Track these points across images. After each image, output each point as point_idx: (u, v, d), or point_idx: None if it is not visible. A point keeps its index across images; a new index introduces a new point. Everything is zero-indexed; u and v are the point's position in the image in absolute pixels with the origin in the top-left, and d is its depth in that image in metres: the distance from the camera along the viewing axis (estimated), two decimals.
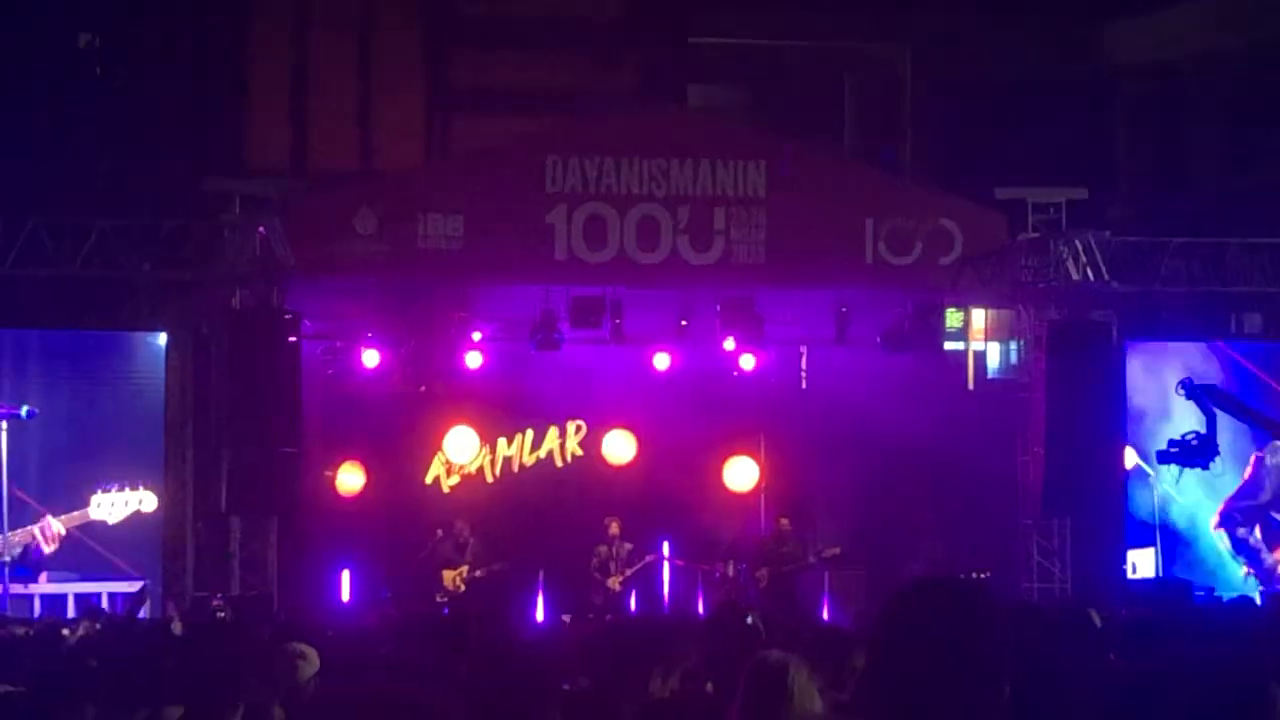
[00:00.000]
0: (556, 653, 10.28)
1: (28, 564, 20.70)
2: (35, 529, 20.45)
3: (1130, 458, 23.96)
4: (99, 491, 20.58)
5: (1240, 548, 24.26)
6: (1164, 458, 22.80)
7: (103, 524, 20.78)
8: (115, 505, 20.55)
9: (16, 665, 10.18)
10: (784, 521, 24.42)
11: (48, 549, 20.47)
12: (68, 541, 20.64)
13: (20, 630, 14.46)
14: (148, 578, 21.76)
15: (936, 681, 4.02)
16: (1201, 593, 22.28)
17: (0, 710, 8.67)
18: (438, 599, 23.48)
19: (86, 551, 21.81)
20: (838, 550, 24.00)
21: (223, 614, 19.75)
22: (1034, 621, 10.27)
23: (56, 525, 20.37)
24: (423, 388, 24.48)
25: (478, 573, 23.66)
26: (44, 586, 21.95)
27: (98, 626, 15.16)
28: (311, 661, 9.06)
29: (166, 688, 7.58)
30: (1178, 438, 22.72)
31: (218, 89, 25.94)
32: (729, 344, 23.42)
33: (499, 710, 7.17)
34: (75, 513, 20.56)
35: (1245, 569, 24.12)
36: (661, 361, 24.04)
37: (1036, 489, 22.89)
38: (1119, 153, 28.00)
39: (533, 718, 7.37)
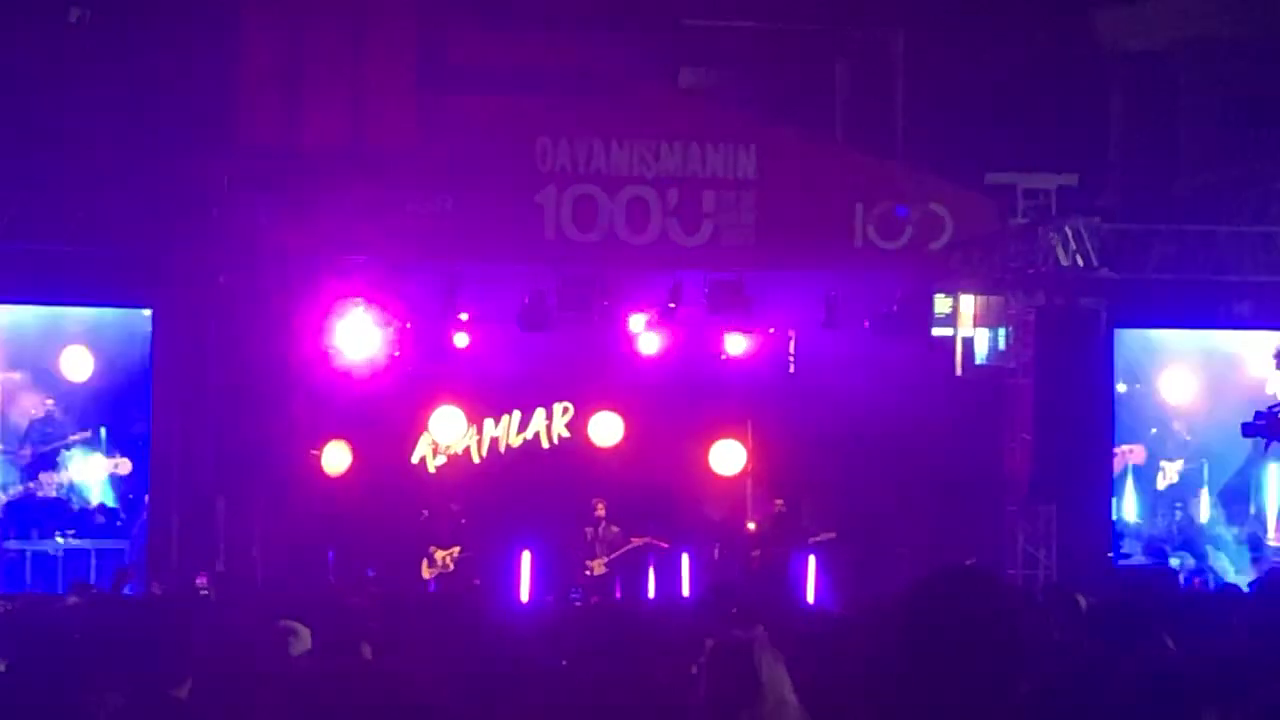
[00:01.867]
0: (539, 633, 10.29)
1: None
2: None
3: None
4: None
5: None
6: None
7: None
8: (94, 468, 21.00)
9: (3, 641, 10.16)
10: (779, 503, 24.42)
11: None
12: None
13: (3, 606, 14.46)
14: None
15: (958, 664, 4.01)
16: (1185, 576, 22.54)
17: None
18: (425, 575, 23.50)
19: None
20: (833, 535, 24.01)
21: (206, 591, 19.75)
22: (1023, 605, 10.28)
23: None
24: (410, 367, 24.47)
25: (467, 554, 23.69)
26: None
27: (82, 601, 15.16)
28: (302, 639, 9.04)
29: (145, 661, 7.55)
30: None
31: (209, 65, 25.84)
32: (718, 328, 23.41)
33: (481, 687, 7.15)
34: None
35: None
36: (648, 344, 24.01)
37: (1023, 475, 22.91)
38: (1110, 140, 27.95)
39: (513, 695, 7.35)
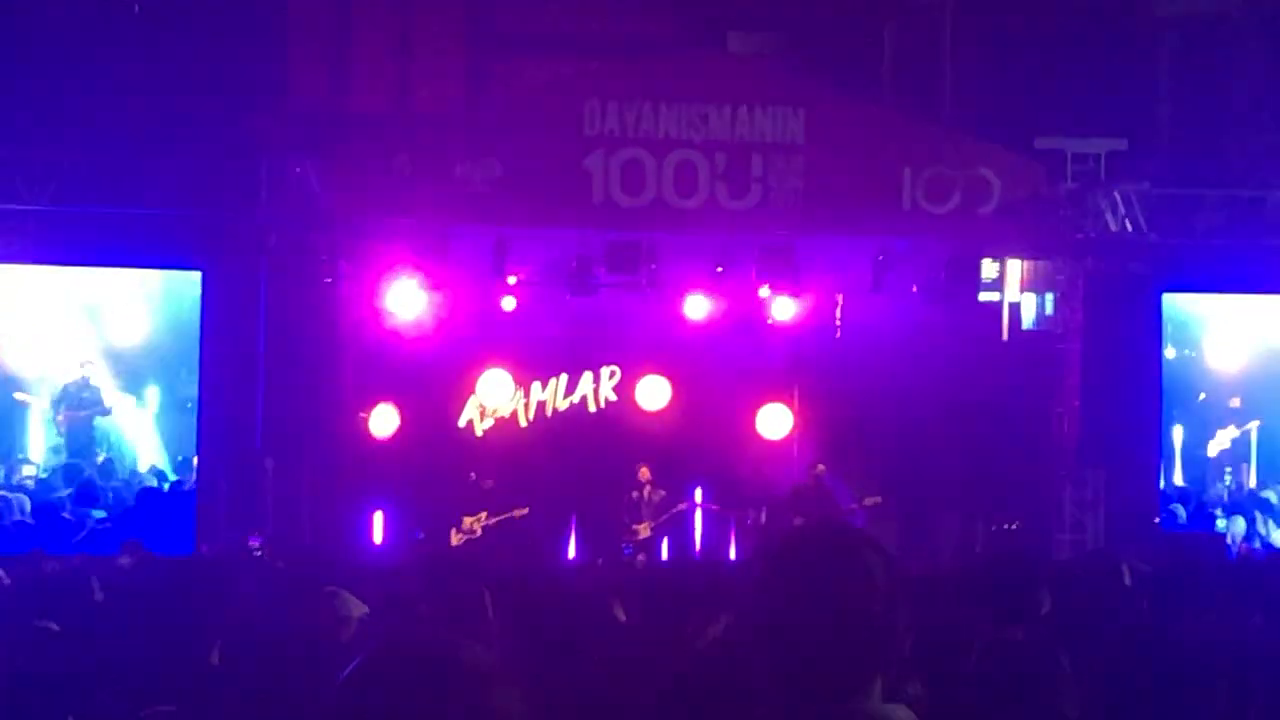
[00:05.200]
0: (589, 588, 10.31)
1: None
2: None
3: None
4: None
5: None
6: None
7: None
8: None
9: (55, 602, 10.26)
10: (820, 468, 24.38)
11: None
12: None
13: (53, 567, 14.54)
14: None
15: (803, 634, 3.96)
16: (1234, 541, 22.59)
17: (40, 647, 8.72)
18: (454, 543, 23.54)
19: None
20: (879, 499, 23.97)
21: (259, 552, 19.86)
22: (1064, 575, 10.29)
23: None
24: (457, 331, 24.54)
25: (494, 520, 23.71)
26: None
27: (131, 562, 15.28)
28: (348, 604, 9.02)
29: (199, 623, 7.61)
30: None
31: (258, 28, 25.92)
32: (765, 291, 23.40)
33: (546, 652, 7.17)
34: None
35: None
36: (696, 308, 24.02)
37: (1071, 441, 22.88)
38: (1160, 104, 27.84)
39: (564, 651, 7.37)
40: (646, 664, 7.45)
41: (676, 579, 8.84)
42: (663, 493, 24.14)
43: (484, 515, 23.77)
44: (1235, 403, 26.74)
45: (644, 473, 24.08)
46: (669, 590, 8.32)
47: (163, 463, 25.48)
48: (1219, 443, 26.74)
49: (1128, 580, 10.20)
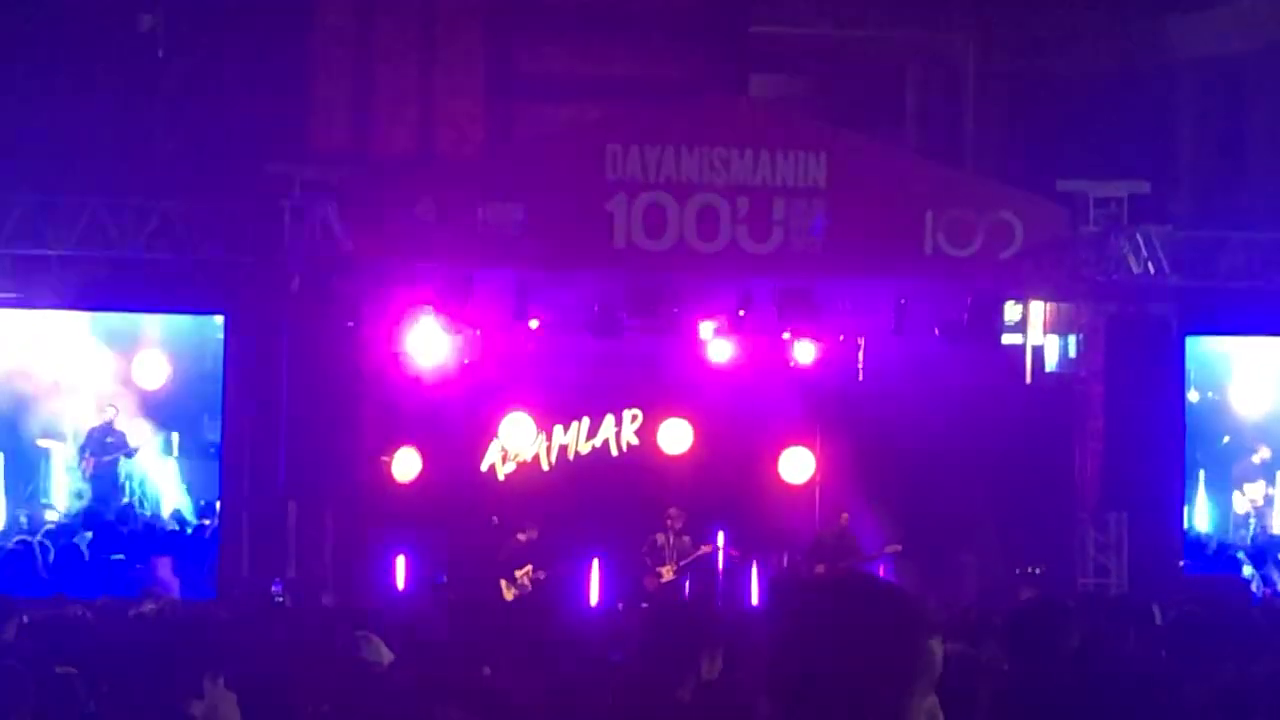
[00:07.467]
0: (608, 633, 10.31)
1: None
2: None
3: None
4: None
5: None
6: None
7: None
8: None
9: (76, 646, 10.26)
10: (845, 517, 24.33)
11: None
12: None
13: (79, 611, 14.56)
14: None
15: (817, 681, 3.93)
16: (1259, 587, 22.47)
17: (60, 692, 8.71)
18: (507, 597, 23.43)
19: None
20: (899, 548, 23.91)
21: (281, 598, 19.87)
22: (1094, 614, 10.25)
23: None
24: (479, 374, 24.54)
25: (541, 574, 23.62)
26: None
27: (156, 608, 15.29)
28: (377, 649, 9.01)
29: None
30: None
31: (280, 73, 26.00)
32: (787, 335, 23.39)
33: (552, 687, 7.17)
34: None
35: None
36: (718, 352, 24.00)
37: (1094, 483, 22.81)
38: (1181, 146, 27.83)
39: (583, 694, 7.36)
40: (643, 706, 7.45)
41: (669, 620, 8.82)
42: (687, 538, 24.09)
43: (529, 569, 23.66)
44: (1257, 458, 26.56)
45: (676, 516, 24.00)
46: (662, 632, 8.31)
47: (185, 507, 25.48)
48: (1249, 497, 26.56)
49: (1159, 619, 10.18)
